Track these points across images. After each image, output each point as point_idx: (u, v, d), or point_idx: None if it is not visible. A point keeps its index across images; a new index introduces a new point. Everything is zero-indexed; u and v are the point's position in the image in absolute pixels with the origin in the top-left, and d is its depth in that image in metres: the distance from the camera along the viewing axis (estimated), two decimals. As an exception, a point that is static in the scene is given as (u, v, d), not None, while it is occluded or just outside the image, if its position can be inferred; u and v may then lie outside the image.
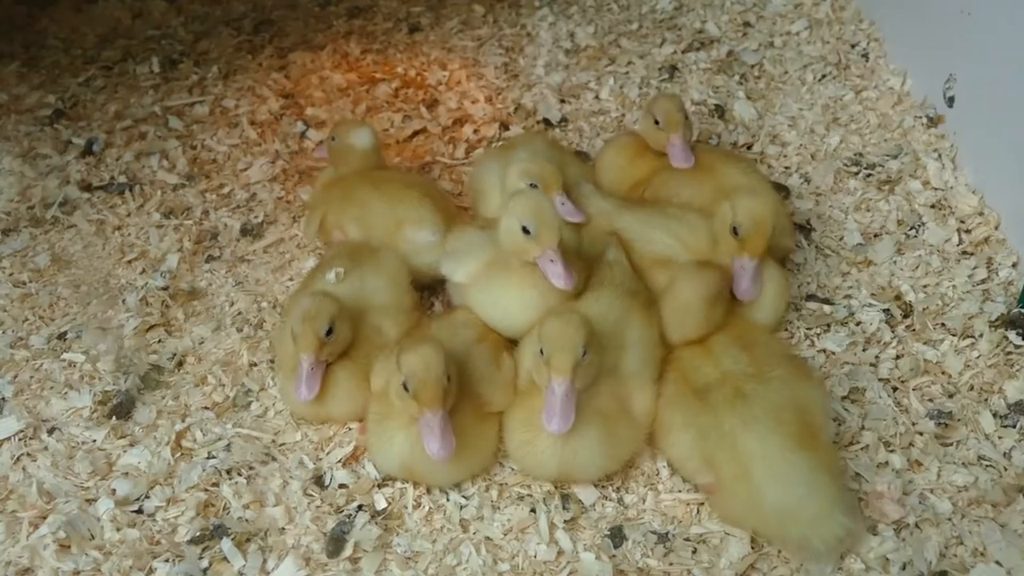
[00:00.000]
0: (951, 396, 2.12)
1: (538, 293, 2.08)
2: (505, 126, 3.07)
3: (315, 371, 2.02)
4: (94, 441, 2.11)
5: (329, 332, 2.00)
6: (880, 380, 2.15)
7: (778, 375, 1.92)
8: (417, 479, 1.96)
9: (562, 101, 3.17)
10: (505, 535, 1.90)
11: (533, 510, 1.93)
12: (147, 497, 1.98)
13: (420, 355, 1.84)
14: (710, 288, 2.02)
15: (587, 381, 1.88)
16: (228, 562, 1.85)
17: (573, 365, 1.81)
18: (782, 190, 2.65)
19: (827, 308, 2.32)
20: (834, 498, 1.77)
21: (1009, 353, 2.18)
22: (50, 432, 2.13)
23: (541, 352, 1.85)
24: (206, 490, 1.99)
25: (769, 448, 1.79)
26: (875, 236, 2.53)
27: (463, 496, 1.97)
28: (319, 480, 2.01)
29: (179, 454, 2.07)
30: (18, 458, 2.08)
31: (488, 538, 1.89)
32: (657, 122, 2.46)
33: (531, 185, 2.25)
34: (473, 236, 2.27)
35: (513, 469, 2.01)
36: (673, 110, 2.44)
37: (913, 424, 2.06)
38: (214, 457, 2.05)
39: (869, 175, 2.72)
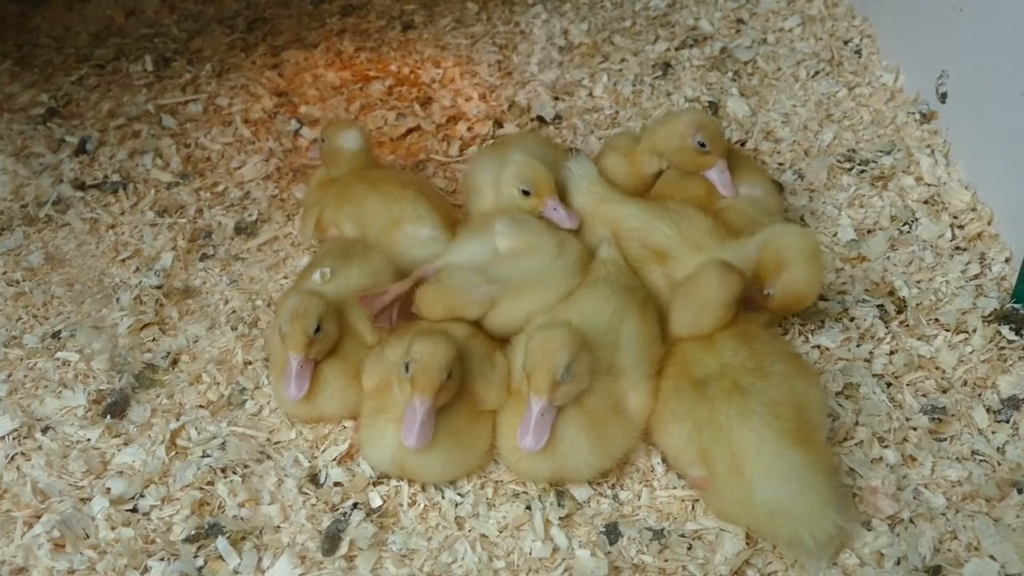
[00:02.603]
0: (945, 391, 2.12)
1: (552, 288, 2.12)
2: (499, 123, 3.07)
3: (304, 369, 2.02)
4: (88, 440, 2.10)
5: (317, 330, 2.00)
6: (874, 376, 2.15)
7: (777, 371, 1.92)
8: (407, 475, 1.96)
9: (556, 98, 3.17)
10: (500, 532, 1.90)
11: (528, 507, 1.93)
12: (142, 496, 1.98)
13: (431, 341, 1.86)
14: (733, 291, 1.99)
15: (571, 396, 1.88)
16: (223, 561, 1.85)
17: (551, 385, 1.81)
18: (776, 187, 2.65)
19: (821, 304, 2.32)
20: (827, 496, 1.76)
21: (1002, 348, 2.19)
22: (44, 431, 2.13)
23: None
24: (201, 489, 1.99)
25: (764, 442, 1.78)
26: (868, 232, 2.54)
27: (458, 494, 1.97)
28: (314, 478, 2.01)
29: (174, 453, 2.07)
30: (12, 457, 2.07)
31: (483, 535, 1.89)
32: (703, 144, 2.34)
33: (523, 192, 2.27)
34: (531, 218, 2.25)
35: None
36: (720, 134, 2.35)
37: (907, 419, 2.06)
38: (209, 456, 2.05)
39: (862, 171, 2.72)
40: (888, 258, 2.45)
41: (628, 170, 2.50)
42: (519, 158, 2.35)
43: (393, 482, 1.99)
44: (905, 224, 2.53)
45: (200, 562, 1.85)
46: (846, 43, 3.26)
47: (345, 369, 2.08)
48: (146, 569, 1.84)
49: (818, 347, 2.23)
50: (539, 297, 2.11)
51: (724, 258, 2.11)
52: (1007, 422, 2.05)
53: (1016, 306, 2.24)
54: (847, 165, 2.75)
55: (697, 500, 1.93)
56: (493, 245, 2.17)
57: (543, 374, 1.81)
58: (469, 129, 3.06)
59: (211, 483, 2.00)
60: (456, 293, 2.11)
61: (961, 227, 2.50)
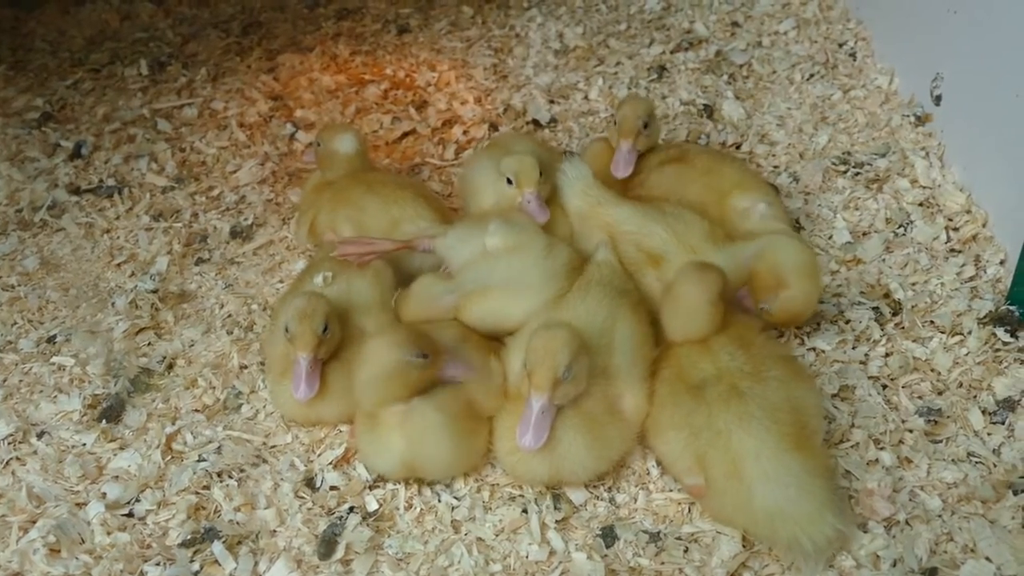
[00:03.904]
0: (940, 393, 2.12)
1: (532, 291, 2.11)
2: (494, 127, 3.07)
3: (314, 369, 2.02)
4: (84, 445, 2.10)
5: (325, 330, 2.01)
6: (870, 378, 2.16)
7: (775, 375, 1.92)
8: (408, 472, 1.95)
9: (551, 102, 3.17)
10: (497, 535, 1.90)
11: (524, 510, 1.93)
12: (137, 500, 1.98)
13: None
14: (714, 289, 1.99)
15: (570, 396, 1.88)
16: (219, 565, 1.85)
17: (552, 382, 1.81)
18: (772, 189, 2.65)
19: (816, 307, 2.33)
20: (825, 500, 1.77)
21: (998, 350, 2.19)
22: (40, 436, 2.12)
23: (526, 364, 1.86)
24: (197, 493, 1.99)
25: (763, 447, 1.79)
26: (864, 234, 2.54)
27: (454, 497, 1.97)
28: (310, 482, 2.01)
29: (169, 457, 2.07)
30: (7, 462, 2.07)
31: (480, 539, 1.89)
32: (615, 122, 2.50)
33: (508, 180, 2.31)
34: (525, 222, 2.27)
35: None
36: (630, 116, 2.46)
37: (903, 421, 2.06)
38: (205, 460, 2.05)
39: (857, 174, 2.73)
40: (883, 260, 2.45)
41: (609, 158, 2.52)
42: (520, 148, 2.43)
43: (389, 486, 1.99)
44: (900, 226, 2.54)
45: (196, 567, 1.85)
46: (841, 46, 3.27)
47: (345, 373, 2.07)
48: (142, 574, 1.84)
49: (814, 350, 2.24)
50: (521, 296, 2.12)
51: (700, 260, 2.12)
52: (1003, 424, 2.05)
53: (1011, 308, 2.24)
54: (842, 168, 2.75)
55: (693, 503, 1.93)
56: (483, 241, 2.21)
57: (544, 371, 1.81)
58: (464, 132, 3.06)
59: (207, 487, 2.00)
60: (425, 303, 2.19)
61: (956, 229, 2.50)
